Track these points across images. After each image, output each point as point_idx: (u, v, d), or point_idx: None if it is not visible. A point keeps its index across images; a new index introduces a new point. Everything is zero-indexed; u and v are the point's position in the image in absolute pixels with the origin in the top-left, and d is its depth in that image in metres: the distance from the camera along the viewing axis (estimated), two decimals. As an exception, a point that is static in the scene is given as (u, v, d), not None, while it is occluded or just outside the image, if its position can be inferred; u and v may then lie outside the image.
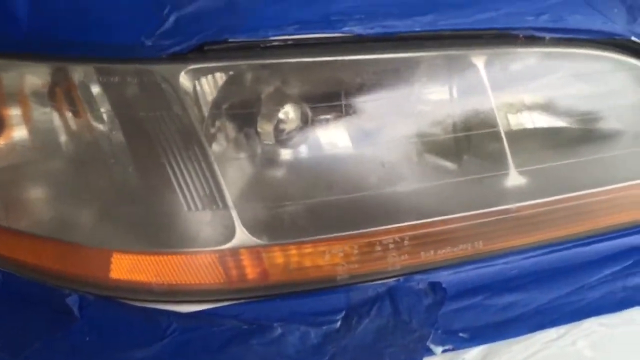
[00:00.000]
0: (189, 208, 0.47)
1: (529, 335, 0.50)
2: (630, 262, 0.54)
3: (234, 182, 0.48)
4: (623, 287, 0.53)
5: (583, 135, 0.58)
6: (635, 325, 0.51)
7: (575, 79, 0.57)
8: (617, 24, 0.53)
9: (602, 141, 0.58)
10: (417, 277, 0.51)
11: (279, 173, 0.52)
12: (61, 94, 0.50)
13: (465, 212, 0.52)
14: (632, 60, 0.55)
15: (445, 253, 0.52)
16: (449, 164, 0.55)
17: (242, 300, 0.48)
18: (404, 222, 0.51)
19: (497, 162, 0.54)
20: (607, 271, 0.53)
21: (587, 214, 0.56)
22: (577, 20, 0.53)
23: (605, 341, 0.50)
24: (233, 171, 0.49)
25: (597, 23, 0.53)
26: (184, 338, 0.47)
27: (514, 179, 0.54)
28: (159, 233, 0.48)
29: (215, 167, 0.47)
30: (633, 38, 0.54)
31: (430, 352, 0.48)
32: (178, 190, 0.46)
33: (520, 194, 0.54)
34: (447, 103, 0.54)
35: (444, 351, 0.48)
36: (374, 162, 0.52)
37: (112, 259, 0.47)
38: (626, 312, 0.52)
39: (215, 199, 0.47)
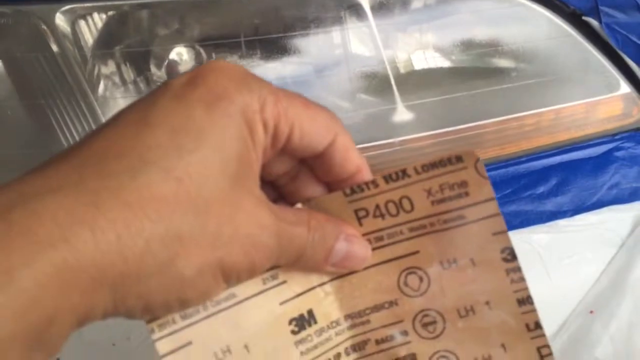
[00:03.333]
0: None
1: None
2: (509, 190, 0.57)
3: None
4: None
5: (472, 70, 0.60)
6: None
7: (464, 19, 0.59)
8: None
9: (491, 76, 0.60)
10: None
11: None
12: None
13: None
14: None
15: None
16: (341, 104, 0.57)
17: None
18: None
19: (386, 97, 0.56)
20: (487, 199, 0.56)
21: (472, 147, 0.58)
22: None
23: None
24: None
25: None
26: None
27: (401, 113, 0.56)
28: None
29: (97, 107, 0.48)
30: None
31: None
32: (59, 131, 0.48)
33: (406, 127, 0.56)
34: (339, 46, 0.56)
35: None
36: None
37: None
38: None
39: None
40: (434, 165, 0.26)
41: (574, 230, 0.56)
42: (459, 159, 0.26)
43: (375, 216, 0.27)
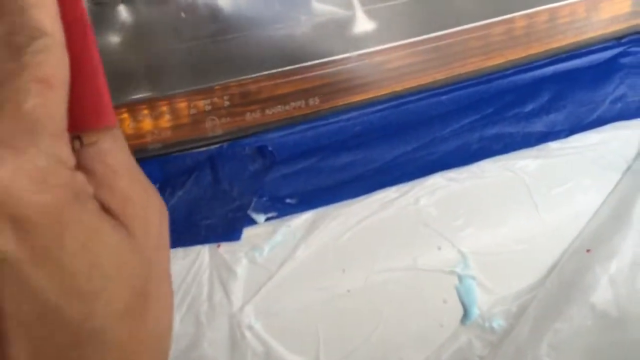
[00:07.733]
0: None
1: (367, 196, 0.45)
2: (491, 110, 0.48)
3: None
4: (479, 137, 0.47)
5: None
6: (486, 177, 0.46)
7: None
8: None
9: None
10: (244, 141, 0.45)
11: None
12: None
13: (296, 64, 0.45)
14: None
15: (275, 113, 0.46)
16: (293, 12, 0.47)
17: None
18: (223, 79, 0.44)
19: (342, 3, 0.47)
20: (465, 121, 0.48)
21: (450, 58, 0.49)
22: None
23: (452, 197, 0.45)
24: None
25: None
26: None
27: (360, 21, 0.47)
28: None
29: None
30: None
31: (253, 222, 0.44)
32: None
33: (366, 38, 0.47)
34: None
35: (268, 219, 0.44)
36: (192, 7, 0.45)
37: None
38: (477, 165, 0.46)
39: None
40: None
41: (568, 154, 0.47)
42: None
43: None
